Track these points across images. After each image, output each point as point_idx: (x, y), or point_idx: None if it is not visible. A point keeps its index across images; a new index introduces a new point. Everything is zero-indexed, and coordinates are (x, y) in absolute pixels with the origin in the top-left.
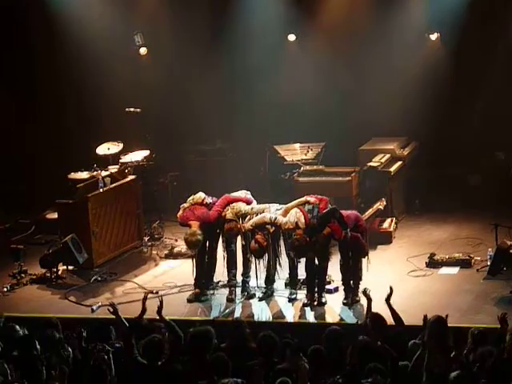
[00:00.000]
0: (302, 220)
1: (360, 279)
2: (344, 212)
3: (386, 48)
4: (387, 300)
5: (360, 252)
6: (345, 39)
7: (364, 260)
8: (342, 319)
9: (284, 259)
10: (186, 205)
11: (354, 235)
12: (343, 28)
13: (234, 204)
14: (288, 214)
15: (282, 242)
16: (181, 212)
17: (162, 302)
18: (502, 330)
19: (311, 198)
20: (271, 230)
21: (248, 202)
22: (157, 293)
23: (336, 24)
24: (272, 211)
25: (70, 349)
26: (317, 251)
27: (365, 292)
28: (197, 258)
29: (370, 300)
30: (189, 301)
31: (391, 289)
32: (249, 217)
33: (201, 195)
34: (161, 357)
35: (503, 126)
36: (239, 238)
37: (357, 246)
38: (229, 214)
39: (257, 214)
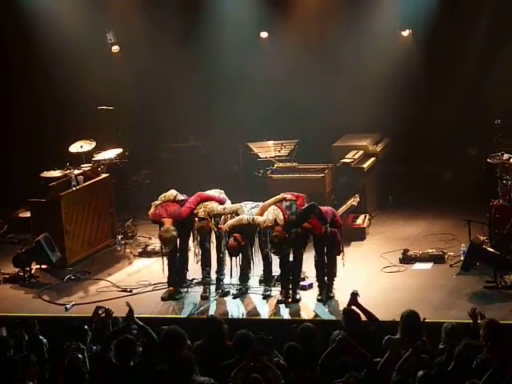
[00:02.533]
0: (281, 217)
1: (334, 275)
2: (321, 208)
3: (358, 45)
4: (354, 303)
5: (335, 248)
6: (317, 36)
7: (339, 256)
8: (316, 315)
9: (258, 256)
10: (157, 202)
11: (333, 230)
12: (315, 25)
13: (206, 203)
14: (266, 212)
15: (256, 240)
16: (152, 209)
17: (130, 306)
18: (474, 324)
19: (288, 195)
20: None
21: (221, 202)
22: (131, 291)
23: (308, 21)
24: (246, 210)
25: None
26: (296, 243)
27: (353, 294)
28: (168, 256)
29: (356, 304)
30: (163, 299)
31: (354, 294)
32: (223, 217)
33: (172, 192)
34: (133, 357)
35: (476, 122)
36: (213, 235)
37: (333, 242)
38: (201, 212)
39: (231, 215)
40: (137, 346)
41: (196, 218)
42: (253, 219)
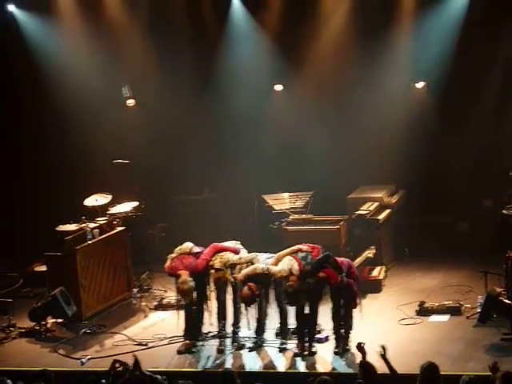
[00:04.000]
0: (296, 267)
1: (351, 328)
2: (337, 258)
3: (373, 96)
4: (383, 356)
5: (352, 300)
6: (331, 89)
7: (355, 309)
8: (333, 368)
9: (274, 309)
10: (173, 255)
11: (349, 281)
12: (329, 77)
13: (222, 253)
14: (281, 263)
15: (272, 291)
16: (168, 262)
17: (136, 358)
18: (493, 377)
19: (304, 247)
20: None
21: (236, 252)
22: (146, 345)
23: (322, 73)
24: (261, 260)
25: None
26: (312, 294)
27: (359, 346)
28: (185, 309)
29: (364, 354)
30: (179, 352)
31: (383, 347)
32: (239, 267)
33: (188, 245)
34: None
35: (491, 173)
36: (229, 287)
37: (349, 294)
38: (217, 263)
39: (246, 264)
40: None
41: (212, 270)
42: (267, 269)
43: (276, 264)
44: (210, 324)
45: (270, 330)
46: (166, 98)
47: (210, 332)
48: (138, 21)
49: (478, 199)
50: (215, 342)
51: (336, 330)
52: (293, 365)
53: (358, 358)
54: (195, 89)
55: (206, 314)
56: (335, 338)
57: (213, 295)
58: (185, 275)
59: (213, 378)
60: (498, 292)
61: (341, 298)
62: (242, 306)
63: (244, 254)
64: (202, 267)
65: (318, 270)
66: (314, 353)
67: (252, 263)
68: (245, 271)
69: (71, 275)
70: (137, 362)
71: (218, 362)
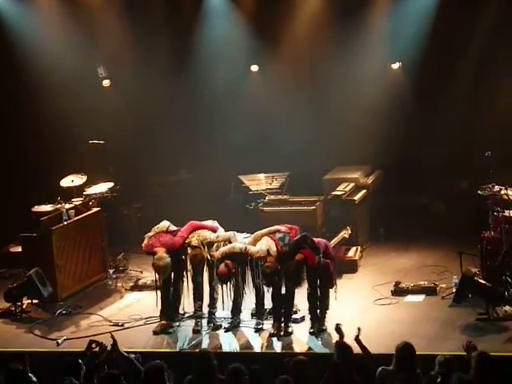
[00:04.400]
0: (274, 248)
1: (327, 308)
2: (314, 239)
3: (348, 77)
4: (356, 339)
5: (328, 281)
6: (307, 69)
7: (331, 289)
8: (309, 348)
9: (250, 289)
10: (150, 234)
11: (326, 262)
12: (305, 58)
13: (199, 231)
14: (259, 243)
15: (248, 272)
16: (146, 241)
17: (113, 338)
18: (467, 356)
19: (282, 227)
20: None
21: (214, 231)
22: (122, 325)
23: (298, 54)
24: (239, 239)
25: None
26: (290, 277)
27: (337, 328)
28: (161, 289)
29: (342, 335)
30: (155, 333)
31: (359, 329)
32: (216, 245)
33: (165, 223)
34: None
35: (467, 153)
36: (205, 268)
37: (326, 274)
38: (194, 240)
39: (224, 243)
40: (121, 381)
41: (189, 248)
42: (245, 248)
43: (254, 244)
44: (185, 304)
45: (246, 310)
46: (142, 78)
47: (186, 312)
48: (114, 2)
49: (454, 180)
50: (191, 323)
51: (312, 311)
52: (269, 345)
53: (334, 338)
54: (171, 69)
55: (182, 294)
56: (311, 319)
57: (189, 275)
58: (161, 252)
59: (189, 358)
60: (473, 272)
61: (317, 279)
62: (218, 285)
63: (221, 232)
64: (178, 245)
65: (296, 251)
66: (290, 333)
67: (229, 242)
68: (222, 249)
69: (47, 256)
70: (114, 343)
71: (194, 342)
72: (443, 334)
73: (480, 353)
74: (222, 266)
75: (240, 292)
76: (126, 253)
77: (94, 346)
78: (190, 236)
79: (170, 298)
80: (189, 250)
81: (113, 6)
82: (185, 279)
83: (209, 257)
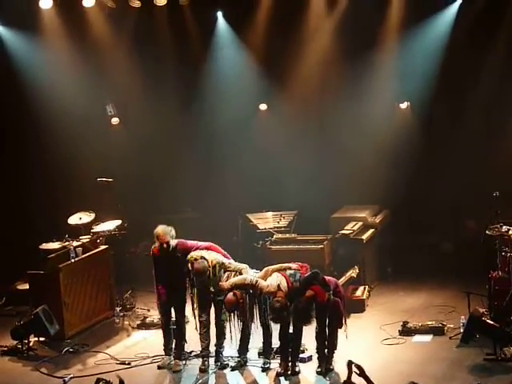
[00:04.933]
0: (284, 283)
1: (335, 348)
2: (325, 277)
3: (357, 116)
4: (362, 374)
5: (338, 320)
6: (315, 108)
7: (341, 329)
8: None
9: (257, 326)
10: (156, 244)
11: (336, 300)
12: (314, 97)
13: (214, 253)
14: (269, 278)
15: (256, 307)
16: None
17: (120, 378)
18: None
19: (293, 265)
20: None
21: (228, 258)
22: (129, 364)
23: (307, 93)
24: (250, 272)
25: None
26: (299, 314)
27: (350, 364)
28: (164, 325)
29: (350, 373)
30: (159, 367)
31: (358, 366)
32: (226, 275)
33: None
34: None
35: (474, 194)
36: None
37: (335, 313)
38: (205, 255)
39: (235, 274)
40: None
41: (195, 260)
42: (256, 281)
43: (264, 278)
44: (192, 343)
45: (253, 349)
46: (151, 117)
47: (192, 351)
48: (123, 39)
49: (462, 220)
50: (198, 362)
51: (320, 350)
52: None
53: (342, 377)
54: (180, 109)
55: (187, 333)
56: (318, 358)
57: (196, 313)
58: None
59: None
60: (480, 312)
61: (326, 318)
62: (226, 324)
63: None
64: (190, 245)
65: (306, 288)
66: (298, 372)
67: (241, 273)
68: (232, 280)
69: (54, 293)
70: (121, 382)
71: (201, 381)
72: (451, 374)
73: None
74: (230, 295)
75: (247, 330)
76: (133, 291)
77: None
78: (203, 251)
79: (173, 335)
80: (195, 261)
81: (122, 44)
82: (191, 317)
83: (210, 269)
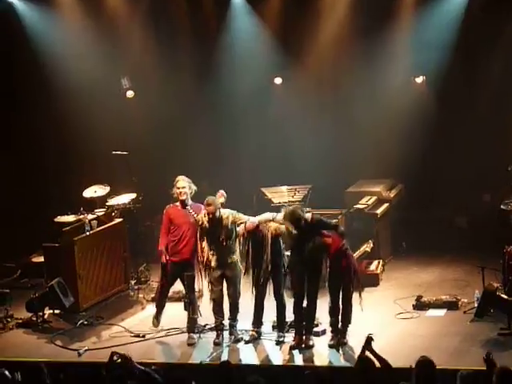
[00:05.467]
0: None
1: (349, 322)
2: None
3: (372, 90)
4: (367, 348)
5: (350, 287)
6: (331, 82)
7: (355, 302)
8: (330, 362)
9: (272, 302)
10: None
11: (349, 253)
12: (329, 71)
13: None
14: None
15: (270, 283)
16: None
17: (125, 355)
18: (488, 370)
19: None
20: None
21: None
22: (143, 336)
23: (322, 67)
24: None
25: None
26: (311, 255)
27: (368, 339)
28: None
29: (365, 348)
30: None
31: (369, 338)
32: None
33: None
34: None
35: (489, 168)
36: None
37: (348, 278)
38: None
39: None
40: None
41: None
42: (275, 216)
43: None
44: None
45: (268, 322)
46: (165, 90)
47: (207, 324)
48: (138, 11)
49: (476, 194)
50: (213, 335)
51: (333, 324)
52: (290, 358)
53: (355, 351)
54: (194, 81)
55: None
56: (332, 331)
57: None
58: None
59: (210, 370)
60: (495, 287)
61: (340, 287)
62: (239, 298)
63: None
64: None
65: (326, 226)
66: (311, 346)
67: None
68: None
69: (69, 266)
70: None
71: (215, 354)
72: (464, 349)
73: (502, 368)
74: (249, 223)
75: (261, 303)
76: (147, 264)
77: (115, 357)
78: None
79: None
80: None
81: (137, 17)
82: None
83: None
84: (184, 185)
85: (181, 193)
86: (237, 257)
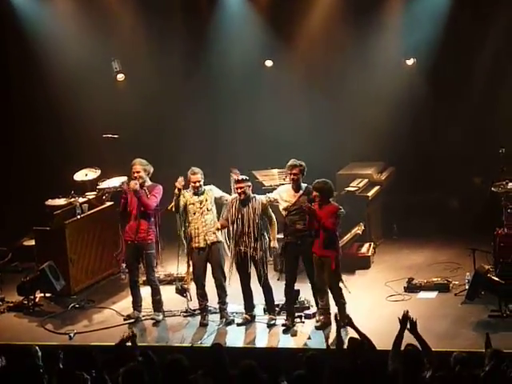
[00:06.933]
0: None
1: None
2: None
3: (362, 73)
4: (349, 324)
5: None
6: (321, 65)
7: (342, 284)
8: (321, 344)
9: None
10: None
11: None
12: (320, 54)
13: None
14: None
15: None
16: None
17: (134, 332)
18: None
19: None
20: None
21: None
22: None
23: (312, 50)
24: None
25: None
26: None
27: (348, 319)
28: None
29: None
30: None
31: (348, 317)
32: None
33: None
34: None
35: (480, 150)
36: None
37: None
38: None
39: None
40: (145, 375)
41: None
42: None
43: None
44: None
45: (260, 305)
46: (156, 73)
47: (196, 309)
48: None
49: (467, 177)
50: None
51: (317, 303)
52: (281, 341)
53: (348, 333)
54: (185, 66)
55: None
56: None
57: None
58: None
59: (201, 353)
60: (486, 269)
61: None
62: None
63: None
64: None
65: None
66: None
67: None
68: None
69: (60, 250)
70: (134, 336)
71: (206, 337)
72: (455, 331)
73: (494, 350)
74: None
75: (247, 288)
76: None
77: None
78: None
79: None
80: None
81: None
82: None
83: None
84: (139, 169)
85: (136, 177)
86: (221, 238)
